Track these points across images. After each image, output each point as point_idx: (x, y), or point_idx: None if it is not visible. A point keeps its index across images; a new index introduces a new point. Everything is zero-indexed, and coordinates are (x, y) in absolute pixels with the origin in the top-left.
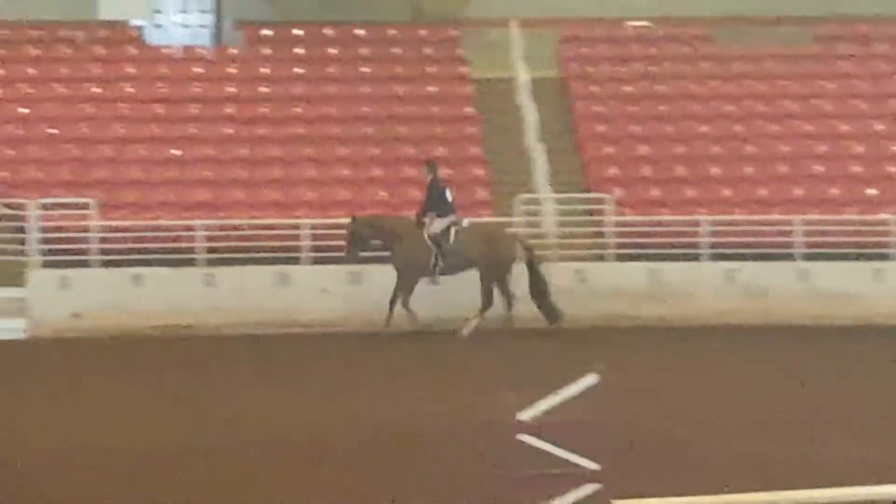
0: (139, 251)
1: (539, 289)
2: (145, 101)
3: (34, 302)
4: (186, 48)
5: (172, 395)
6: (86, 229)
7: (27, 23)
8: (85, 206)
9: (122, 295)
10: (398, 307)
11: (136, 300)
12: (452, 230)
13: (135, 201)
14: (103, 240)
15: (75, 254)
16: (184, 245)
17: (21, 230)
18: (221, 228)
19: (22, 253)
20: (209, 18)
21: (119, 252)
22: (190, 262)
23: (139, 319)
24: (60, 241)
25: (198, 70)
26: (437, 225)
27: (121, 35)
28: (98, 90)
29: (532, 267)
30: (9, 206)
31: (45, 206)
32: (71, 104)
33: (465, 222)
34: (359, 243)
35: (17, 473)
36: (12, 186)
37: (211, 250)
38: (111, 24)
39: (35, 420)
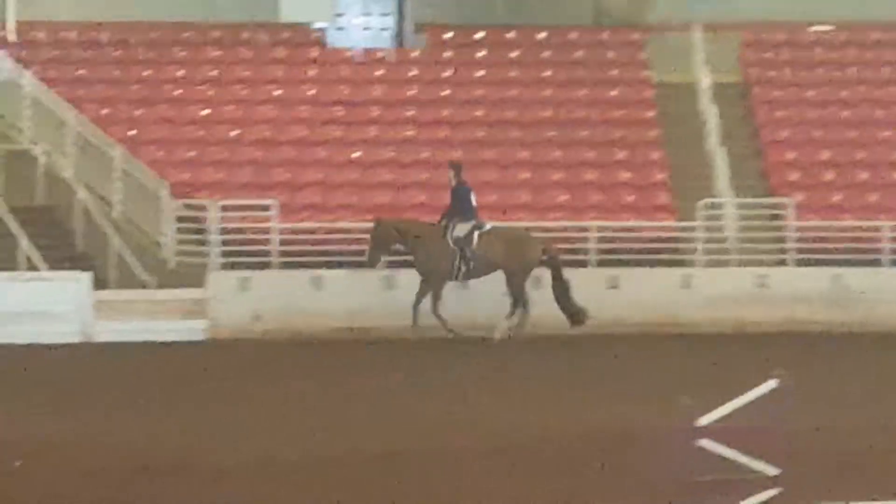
0: (319, 253)
1: (561, 290)
2: (326, 103)
3: (215, 303)
4: (368, 51)
5: (351, 397)
6: (266, 231)
7: (209, 24)
8: (265, 208)
9: (301, 297)
10: (428, 312)
11: (316, 302)
12: (476, 234)
13: (315, 203)
14: (283, 241)
15: (256, 255)
16: (365, 248)
17: (202, 232)
18: None
19: (203, 254)
20: (391, 21)
21: (299, 254)
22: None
23: (319, 321)
24: (241, 242)
25: (379, 73)
26: (460, 229)
27: (303, 37)
28: (279, 92)
29: (554, 269)
30: (190, 207)
31: (225, 208)
32: (252, 106)
33: (488, 226)
34: (381, 247)
35: (197, 476)
36: (194, 188)
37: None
38: (293, 27)
39: (214, 422)
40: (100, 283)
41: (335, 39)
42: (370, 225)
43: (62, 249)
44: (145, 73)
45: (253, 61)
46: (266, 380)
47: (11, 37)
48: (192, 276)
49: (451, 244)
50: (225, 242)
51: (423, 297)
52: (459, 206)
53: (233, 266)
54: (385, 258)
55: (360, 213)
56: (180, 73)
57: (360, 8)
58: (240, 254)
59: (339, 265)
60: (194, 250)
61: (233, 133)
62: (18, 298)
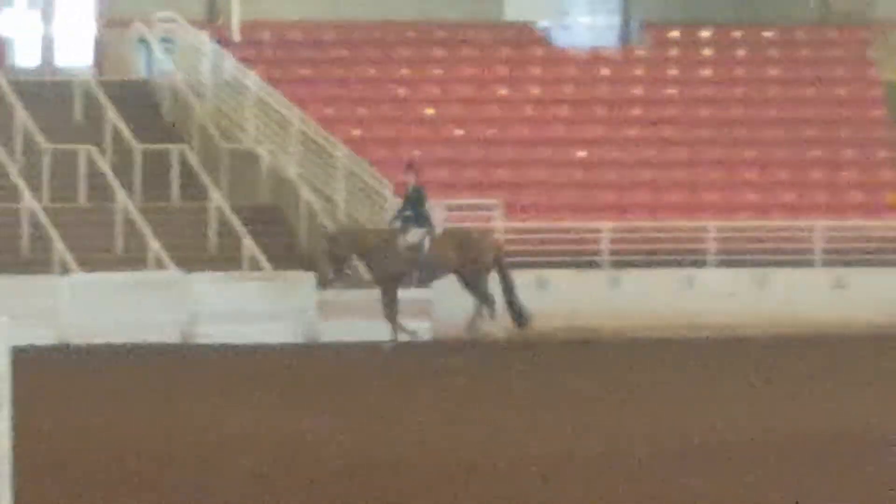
0: (543, 253)
1: (508, 292)
2: (551, 102)
3: (439, 304)
4: (593, 49)
5: (573, 397)
6: (491, 230)
7: (434, 23)
8: (490, 208)
9: (526, 297)
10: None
11: (540, 302)
12: (427, 238)
13: (539, 203)
14: (507, 241)
15: None
16: (589, 247)
17: None
18: (627, 231)
19: None
20: (616, 19)
21: (523, 253)
22: (594, 265)
23: (543, 322)
24: None
25: (604, 71)
26: (413, 234)
27: (527, 36)
28: (504, 91)
29: (500, 268)
30: None
31: (450, 208)
32: (476, 105)
33: (439, 229)
34: (337, 263)
35: (423, 474)
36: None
37: (615, 252)
38: (517, 26)
39: (441, 421)
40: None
41: (559, 38)
42: (594, 225)
43: (286, 249)
44: (370, 73)
45: (477, 60)
46: (488, 380)
47: (236, 37)
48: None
49: (404, 249)
50: None
51: (391, 305)
52: (413, 210)
53: None
54: (344, 274)
55: (583, 213)
56: (405, 72)
57: (584, 6)
58: None
59: (563, 265)
60: None
61: (457, 132)
62: (243, 298)
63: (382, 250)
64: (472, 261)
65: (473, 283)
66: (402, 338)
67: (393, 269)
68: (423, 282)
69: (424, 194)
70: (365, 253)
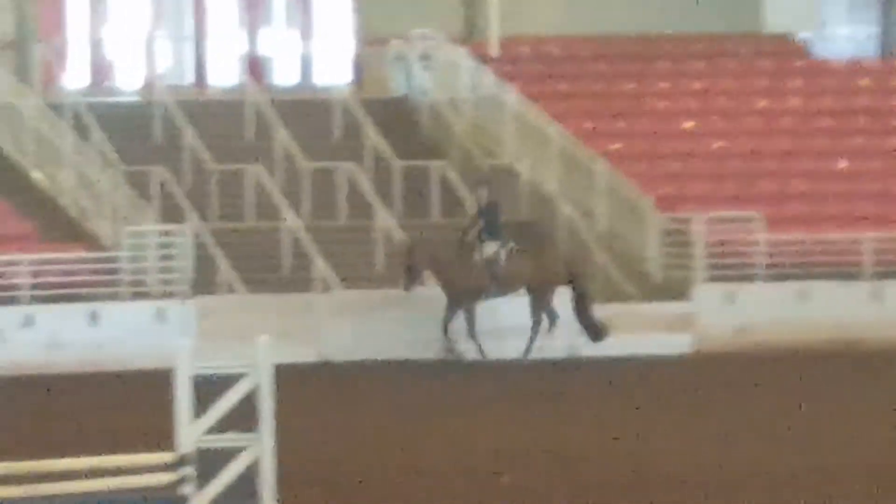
0: (805, 265)
1: (582, 307)
2: (811, 113)
3: (700, 316)
4: (852, 60)
5: (838, 412)
6: (751, 243)
7: (692, 36)
8: (750, 220)
9: (787, 310)
10: (441, 332)
11: (802, 315)
12: (503, 252)
13: (800, 215)
14: (769, 253)
15: (741, 268)
16: (851, 259)
17: (687, 245)
18: (889, 242)
19: (688, 268)
20: (876, 29)
21: (784, 266)
22: (856, 277)
23: (805, 334)
24: (726, 255)
25: (864, 82)
26: (489, 248)
27: (786, 47)
28: (763, 103)
29: (578, 286)
30: (675, 220)
31: (710, 221)
32: (736, 117)
33: (512, 244)
34: (411, 274)
35: (690, 489)
36: (678, 201)
37: (877, 264)
38: (777, 37)
39: (704, 436)
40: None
41: (819, 49)
42: (856, 236)
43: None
44: (628, 87)
45: (736, 72)
46: (753, 393)
47: (494, 52)
48: (677, 290)
49: (481, 263)
50: (710, 255)
51: (451, 317)
52: (488, 224)
53: (718, 279)
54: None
55: (846, 224)
56: (663, 85)
57: (844, 17)
58: (725, 266)
59: (825, 276)
60: (679, 264)
61: (717, 145)
62: (504, 313)
63: (459, 264)
64: (545, 276)
65: (541, 299)
66: (449, 356)
67: (470, 284)
68: (497, 296)
69: (499, 209)
70: (441, 266)
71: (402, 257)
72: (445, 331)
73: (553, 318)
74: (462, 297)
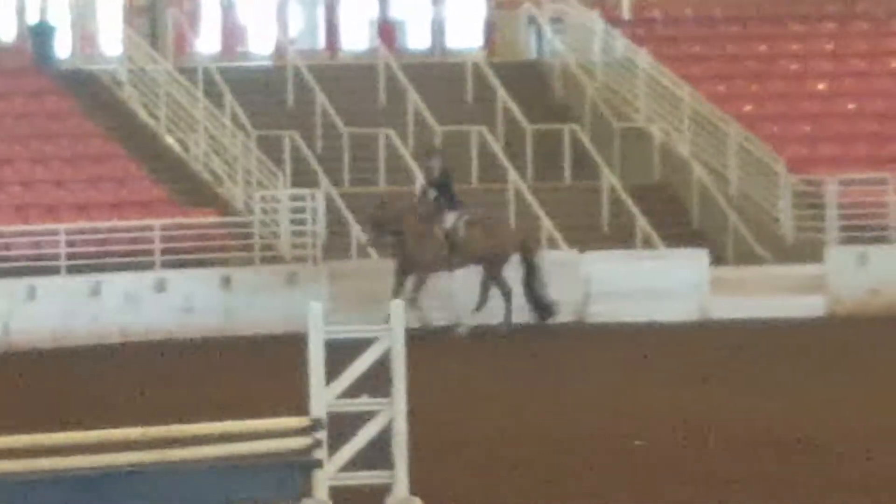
0: None
1: (534, 283)
2: None
3: (832, 279)
4: None
5: None
6: (884, 205)
7: None
8: (883, 181)
9: None
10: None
11: None
12: (461, 224)
13: None
14: None
15: (873, 230)
16: None
17: (819, 207)
18: None
19: (820, 230)
20: None
21: None
22: None
23: None
24: (858, 216)
25: None
26: (448, 219)
27: None
28: None
29: (527, 258)
30: (807, 182)
31: (843, 182)
32: (869, 79)
33: (466, 215)
34: (376, 230)
35: (820, 452)
36: (810, 162)
37: None
38: None
39: (833, 398)
40: (716, 260)
41: None
42: None
43: (678, 227)
44: (761, 49)
45: (869, 34)
46: (887, 355)
47: (626, 15)
48: (809, 252)
49: (441, 235)
50: (842, 217)
51: (418, 290)
52: (444, 195)
53: (850, 241)
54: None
55: None
56: (796, 47)
57: None
58: (857, 228)
59: None
60: (811, 226)
61: (849, 106)
62: (637, 276)
63: (420, 235)
64: (498, 247)
65: (495, 273)
66: (415, 323)
67: (430, 256)
68: (455, 268)
69: (452, 179)
70: (402, 233)
71: (372, 214)
72: (414, 301)
73: (505, 290)
74: (421, 267)
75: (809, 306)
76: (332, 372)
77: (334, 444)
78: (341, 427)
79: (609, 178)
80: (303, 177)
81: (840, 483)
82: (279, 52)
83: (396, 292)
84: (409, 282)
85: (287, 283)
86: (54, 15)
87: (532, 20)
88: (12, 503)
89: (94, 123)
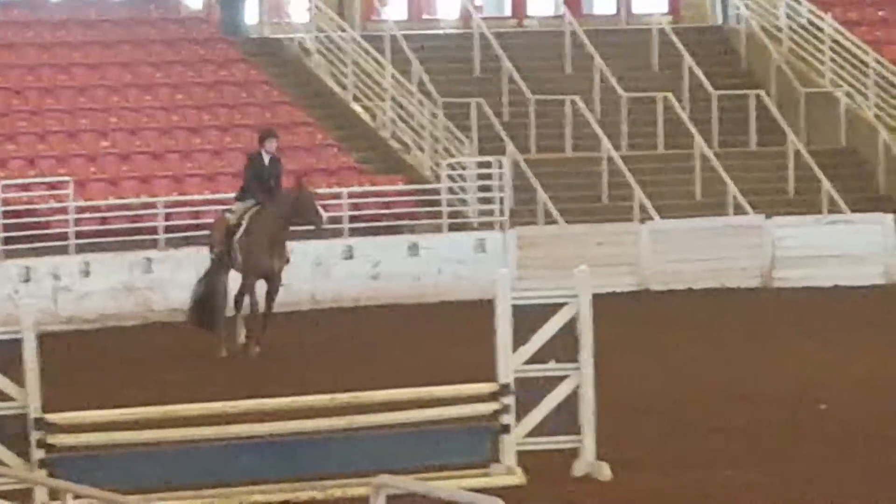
0: None
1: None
2: None
3: None
4: None
5: None
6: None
7: None
8: None
9: None
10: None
11: None
12: (248, 216)
13: None
14: None
15: None
16: None
17: None
18: None
19: None
20: None
21: None
22: None
23: None
24: None
25: None
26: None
27: None
28: None
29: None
30: None
31: None
32: None
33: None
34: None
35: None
36: None
37: None
38: None
39: None
40: None
41: None
42: None
43: (864, 191)
44: None
45: None
46: None
47: None
48: None
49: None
50: None
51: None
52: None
53: None
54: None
55: None
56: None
57: None
58: None
59: None
60: None
61: None
62: (823, 241)
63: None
64: None
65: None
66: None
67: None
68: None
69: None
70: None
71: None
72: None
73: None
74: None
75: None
76: (521, 338)
77: (522, 410)
78: (530, 393)
79: (795, 143)
80: (489, 143)
81: None
82: (465, 18)
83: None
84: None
85: (475, 249)
86: None
87: None
88: (207, 468)
89: (282, 92)
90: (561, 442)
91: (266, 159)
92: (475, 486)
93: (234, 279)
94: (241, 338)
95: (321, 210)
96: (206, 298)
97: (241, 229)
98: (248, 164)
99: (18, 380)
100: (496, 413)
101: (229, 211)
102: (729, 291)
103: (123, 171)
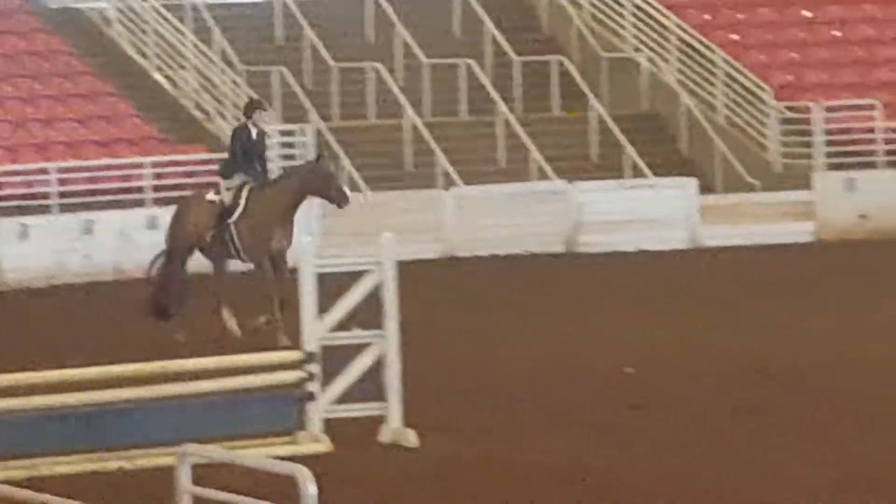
0: None
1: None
2: None
3: (821, 204)
4: None
5: None
6: (871, 130)
7: None
8: (870, 108)
9: None
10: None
11: None
12: (244, 194)
13: None
14: (888, 140)
15: (861, 155)
16: None
17: (806, 133)
18: None
19: (807, 156)
20: None
21: None
22: None
23: None
24: (846, 143)
25: None
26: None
27: None
28: None
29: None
30: (793, 109)
31: (829, 109)
32: (855, 5)
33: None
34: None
35: (785, 378)
36: (797, 90)
37: None
38: None
39: (824, 325)
40: (705, 189)
41: None
42: None
43: (667, 156)
44: None
45: None
46: (875, 280)
47: None
48: (797, 178)
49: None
50: (829, 143)
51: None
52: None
53: (838, 167)
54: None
55: None
56: None
57: None
58: (845, 154)
59: None
60: (799, 152)
61: (835, 33)
62: (626, 206)
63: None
64: None
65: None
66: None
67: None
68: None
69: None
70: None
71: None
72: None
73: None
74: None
75: (798, 233)
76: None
77: (328, 378)
78: (336, 361)
79: (597, 109)
80: (292, 112)
81: (843, 412)
82: None
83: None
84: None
85: None
86: None
87: None
88: (11, 440)
89: (84, 62)
90: (367, 409)
91: (254, 132)
92: (281, 454)
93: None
94: (232, 325)
95: (345, 187)
96: (163, 288)
97: (239, 210)
98: (234, 137)
99: None
100: (302, 381)
101: (214, 191)
102: (534, 257)
103: None
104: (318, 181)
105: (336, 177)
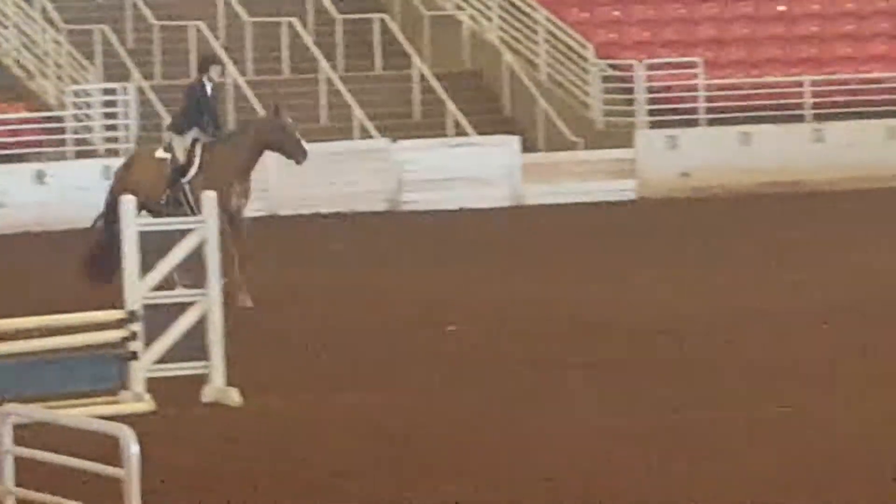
0: (746, 109)
1: None
2: None
3: (643, 162)
4: None
5: (788, 252)
6: (693, 88)
7: None
8: (691, 66)
9: (729, 153)
10: None
11: (744, 158)
12: (198, 152)
13: (740, 59)
14: (709, 98)
15: (683, 113)
16: (791, 101)
17: (628, 91)
18: (828, 83)
19: (629, 114)
20: None
21: (725, 110)
22: (797, 119)
23: (747, 177)
24: (667, 101)
25: None
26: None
27: None
28: None
29: None
30: (615, 67)
31: (651, 67)
32: None
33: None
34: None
35: (619, 335)
36: (619, 47)
37: (817, 105)
38: None
39: (643, 282)
40: (528, 147)
41: None
42: (796, 79)
43: (489, 114)
44: None
45: None
46: (696, 237)
47: None
48: (619, 136)
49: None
50: (651, 101)
51: None
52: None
53: (660, 125)
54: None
55: (786, 68)
56: None
57: None
58: (667, 112)
59: (766, 120)
60: (621, 110)
61: None
62: (449, 164)
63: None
64: None
65: None
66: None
67: None
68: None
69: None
70: None
71: None
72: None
73: None
74: None
75: (620, 190)
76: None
77: (151, 337)
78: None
79: (419, 67)
80: (114, 70)
81: (652, 363)
82: None
83: None
84: None
85: (102, 176)
86: None
87: None
88: None
89: None
90: (190, 368)
91: (209, 88)
92: (103, 413)
93: None
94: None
95: (304, 142)
96: (107, 249)
97: (193, 169)
98: (188, 93)
99: None
100: (124, 340)
101: (164, 149)
102: (357, 216)
103: None
104: (275, 135)
105: (293, 129)
